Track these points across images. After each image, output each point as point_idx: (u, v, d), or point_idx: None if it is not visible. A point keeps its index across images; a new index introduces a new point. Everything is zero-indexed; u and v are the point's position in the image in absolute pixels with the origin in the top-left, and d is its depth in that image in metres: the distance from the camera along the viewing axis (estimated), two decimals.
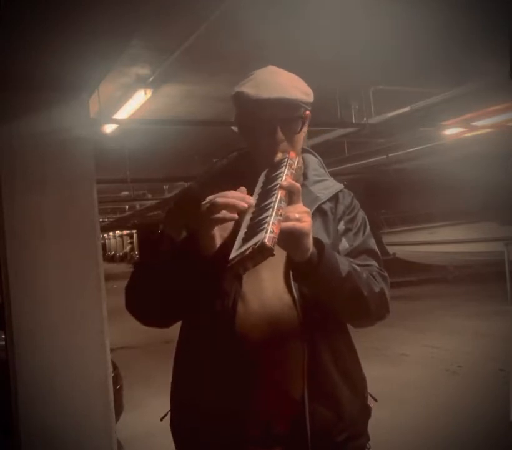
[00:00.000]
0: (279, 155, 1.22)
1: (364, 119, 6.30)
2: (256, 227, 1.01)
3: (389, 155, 9.38)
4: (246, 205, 1.06)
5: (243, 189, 1.11)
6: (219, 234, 1.12)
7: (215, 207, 1.06)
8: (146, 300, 1.24)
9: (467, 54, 4.76)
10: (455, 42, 4.43)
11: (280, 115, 1.22)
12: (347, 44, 4.35)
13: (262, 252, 0.95)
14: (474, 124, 7.00)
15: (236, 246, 1.01)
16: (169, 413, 1.35)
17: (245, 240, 1.01)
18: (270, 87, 1.21)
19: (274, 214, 1.01)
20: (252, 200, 1.09)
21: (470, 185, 11.17)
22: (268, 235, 0.96)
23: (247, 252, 0.96)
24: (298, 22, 3.89)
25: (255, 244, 0.96)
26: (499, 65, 4.91)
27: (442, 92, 5.70)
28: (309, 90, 1.28)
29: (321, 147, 7.39)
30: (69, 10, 2.12)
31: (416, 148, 8.87)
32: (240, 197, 1.07)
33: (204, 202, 1.09)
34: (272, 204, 1.04)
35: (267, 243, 0.95)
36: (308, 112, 1.28)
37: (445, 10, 3.79)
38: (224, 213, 1.06)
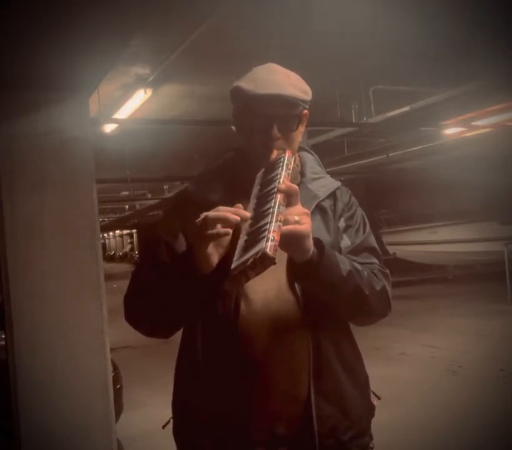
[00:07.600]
0: (275, 154, 1.20)
1: (364, 118, 6.30)
2: (256, 234, 0.99)
3: (390, 155, 9.39)
4: (238, 218, 1.04)
5: (239, 205, 1.09)
6: (216, 251, 1.09)
7: (208, 223, 1.04)
8: (146, 312, 1.22)
9: (467, 54, 4.76)
10: (455, 42, 4.43)
11: (277, 112, 1.21)
12: (347, 44, 4.36)
13: (264, 262, 0.94)
14: (474, 123, 7.01)
15: (236, 256, 1.00)
16: (171, 420, 1.32)
17: (246, 249, 0.99)
18: (267, 84, 1.20)
19: (274, 220, 0.99)
20: (246, 213, 1.06)
21: (470, 185, 11.18)
22: (269, 243, 0.94)
23: (249, 263, 0.94)
24: (298, 22, 3.89)
25: (257, 253, 0.94)
26: (499, 65, 4.94)
27: (442, 92, 5.70)
28: (308, 88, 1.27)
29: (321, 147, 7.40)
30: (69, 10, 2.12)
31: (416, 148, 8.88)
32: (232, 211, 1.05)
33: (197, 220, 1.07)
34: (271, 209, 1.02)
35: (269, 252, 0.93)
36: (306, 111, 1.27)
37: (445, 11, 3.80)
38: (218, 228, 1.04)
